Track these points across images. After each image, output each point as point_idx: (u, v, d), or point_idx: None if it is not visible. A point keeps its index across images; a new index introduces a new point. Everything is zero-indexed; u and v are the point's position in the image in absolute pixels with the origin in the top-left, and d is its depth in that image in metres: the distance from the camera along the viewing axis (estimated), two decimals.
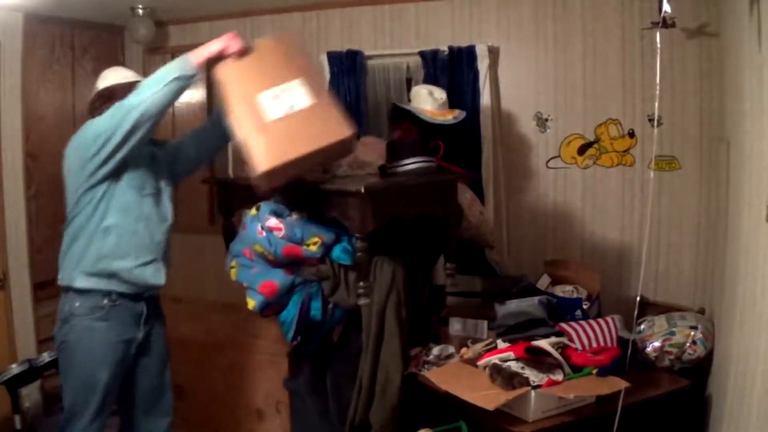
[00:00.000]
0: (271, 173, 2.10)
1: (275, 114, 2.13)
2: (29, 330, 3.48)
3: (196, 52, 2.26)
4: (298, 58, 2.27)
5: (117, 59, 4.18)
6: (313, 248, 2.44)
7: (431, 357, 2.65)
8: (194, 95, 4.24)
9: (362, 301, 2.39)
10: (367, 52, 3.64)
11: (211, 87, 4.20)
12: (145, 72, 4.21)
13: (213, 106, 4.22)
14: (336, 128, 2.18)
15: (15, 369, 2.80)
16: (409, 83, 3.63)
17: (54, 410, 3.47)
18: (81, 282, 2.22)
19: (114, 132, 2.13)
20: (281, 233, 2.42)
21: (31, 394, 3.42)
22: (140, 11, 3.81)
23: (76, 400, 2.25)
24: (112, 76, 2.40)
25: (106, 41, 4.08)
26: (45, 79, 3.66)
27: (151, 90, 2.17)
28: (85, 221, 2.23)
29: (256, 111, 2.13)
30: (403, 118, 2.89)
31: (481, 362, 2.42)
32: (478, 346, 2.63)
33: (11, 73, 3.44)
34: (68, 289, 2.25)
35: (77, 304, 2.23)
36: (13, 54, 3.44)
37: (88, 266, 2.22)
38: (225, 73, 2.24)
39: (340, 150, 2.30)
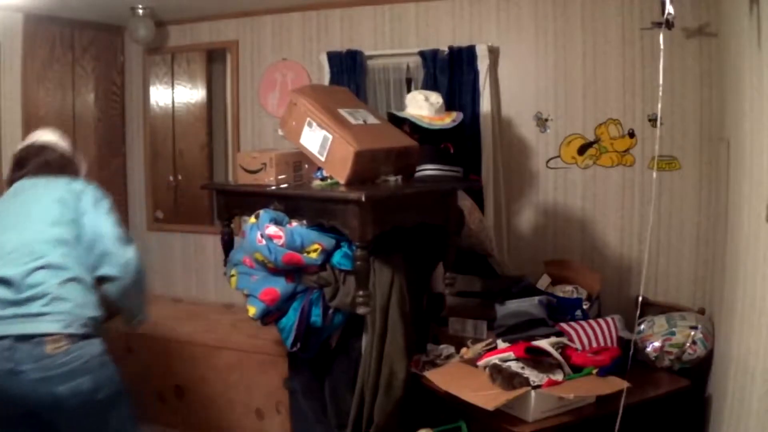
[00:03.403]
0: (359, 161, 2.38)
1: (355, 122, 2.53)
2: None
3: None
4: (357, 101, 2.91)
5: (117, 59, 4.18)
6: (314, 255, 2.44)
7: (431, 357, 2.65)
8: (194, 96, 4.24)
9: (362, 310, 2.39)
10: (367, 52, 3.64)
11: (212, 89, 4.22)
12: (145, 73, 4.25)
13: (213, 108, 4.24)
14: (405, 138, 2.69)
15: None
16: (409, 83, 3.63)
17: None
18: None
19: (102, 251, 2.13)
20: (281, 241, 2.41)
21: None
22: (140, 11, 3.81)
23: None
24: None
25: (106, 41, 4.09)
26: (45, 79, 3.66)
27: (138, 298, 2.26)
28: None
29: (341, 117, 2.50)
30: (401, 125, 2.89)
31: (481, 362, 2.42)
32: (478, 346, 2.63)
33: (11, 73, 3.44)
34: (94, 335, 2.10)
35: (101, 344, 2.11)
36: (13, 54, 3.44)
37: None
38: (306, 96, 2.57)
39: (405, 161, 2.64)
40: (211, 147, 4.26)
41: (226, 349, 3.41)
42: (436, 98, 2.94)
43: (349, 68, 3.62)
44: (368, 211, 2.27)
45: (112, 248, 2.14)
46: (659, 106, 2.82)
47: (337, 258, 2.49)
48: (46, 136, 2.44)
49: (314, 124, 2.47)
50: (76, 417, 2.03)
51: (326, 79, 3.68)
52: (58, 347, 1.95)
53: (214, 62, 4.21)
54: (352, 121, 2.52)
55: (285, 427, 3.21)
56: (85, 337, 2.02)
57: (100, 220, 2.17)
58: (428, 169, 2.83)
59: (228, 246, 2.84)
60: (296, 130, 2.53)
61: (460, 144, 3.13)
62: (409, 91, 3.53)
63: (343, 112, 2.54)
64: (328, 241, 2.47)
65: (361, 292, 2.37)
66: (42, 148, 2.37)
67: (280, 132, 2.64)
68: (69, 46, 3.80)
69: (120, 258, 2.14)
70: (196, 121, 4.28)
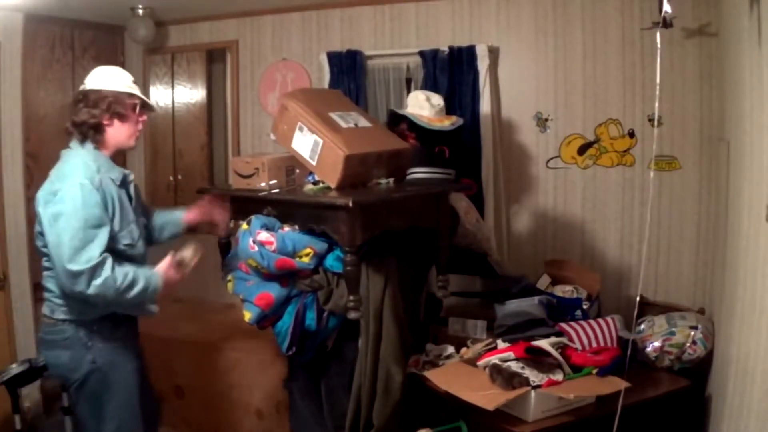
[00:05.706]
0: (349, 165, 2.37)
1: (346, 125, 2.52)
2: (29, 330, 3.48)
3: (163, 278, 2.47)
4: (349, 103, 2.88)
5: (117, 59, 4.18)
6: (306, 260, 2.44)
7: (431, 357, 2.65)
8: (194, 96, 4.24)
9: (353, 315, 2.38)
10: (367, 52, 3.64)
11: (212, 89, 4.22)
12: (145, 73, 4.25)
13: (213, 108, 4.23)
14: (397, 141, 2.67)
15: (15, 369, 2.79)
16: (409, 83, 3.63)
17: (54, 410, 3.48)
18: None
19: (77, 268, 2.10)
20: (273, 247, 2.41)
21: (31, 394, 3.42)
22: (140, 11, 3.81)
23: None
24: (106, 79, 2.29)
25: (106, 41, 4.09)
26: (45, 79, 3.66)
27: (131, 294, 2.29)
28: None
29: (331, 121, 2.49)
30: (399, 123, 2.88)
31: (481, 362, 2.42)
32: (478, 346, 2.63)
33: (11, 73, 3.44)
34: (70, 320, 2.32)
35: (71, 331, 2.32)
36: (13, 54, 3.44)
37: None
38: (296, 100, 2.55)
39: (397, 163, 2.63)
40: (211, 147, 4.26)
41: (226, 349, 3.41)
42: (438, 100, 2.93)
43: (349, 68, 3.62)
44: (356, 216, 2.27)
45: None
46: (656, 104, 2.83)
47: (329, 261, 2.48)
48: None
49: (305, 128, 2.46)
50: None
51: (326, 79, 3.68)
52: (47, 323, 2.32)
53: (214, 62, 4.21)
54: (343, 124, 2.51)
55: (285, 427, 3.21)
56: (64, 321, 2.28)
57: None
58: (419, 172, 2.82)
59: (225, 250, 2.85)
60: (287, 134, 2.52)
61: (457, 148, 3.12)
62: (409, 91, 3.53)
63: (334, 115, 2.53)
64: (320, 245, 2.46)
65: (351, 297, 2.36)
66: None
67: (272, 136, 2.63)
68: (69, 46, 3.80)
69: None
70: (196, 121, 4.28)
